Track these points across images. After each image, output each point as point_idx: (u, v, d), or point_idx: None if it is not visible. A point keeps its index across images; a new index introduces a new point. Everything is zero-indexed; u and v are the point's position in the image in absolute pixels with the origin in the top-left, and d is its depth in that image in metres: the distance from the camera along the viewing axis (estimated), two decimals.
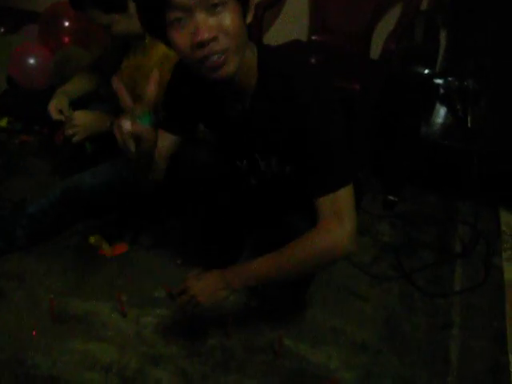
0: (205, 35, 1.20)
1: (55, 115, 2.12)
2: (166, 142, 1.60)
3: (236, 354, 1.76)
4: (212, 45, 1.22)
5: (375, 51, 2.64)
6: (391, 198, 2.32)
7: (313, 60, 2.53)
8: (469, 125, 2.19)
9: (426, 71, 2.02)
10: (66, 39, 2.93)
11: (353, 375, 1.71)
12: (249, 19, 1.30)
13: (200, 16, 1.20)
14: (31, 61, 2.87)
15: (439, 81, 2.36)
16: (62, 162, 2.54)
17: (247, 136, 1.55)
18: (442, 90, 2.36)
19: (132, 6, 1.90)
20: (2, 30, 3.30)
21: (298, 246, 1.41)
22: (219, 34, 1.22)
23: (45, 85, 2.88)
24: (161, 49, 1.96)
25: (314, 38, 2.76)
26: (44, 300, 1.89)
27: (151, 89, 1.24)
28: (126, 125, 1.17)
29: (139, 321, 1.85)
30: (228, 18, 1.22)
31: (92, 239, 2.10)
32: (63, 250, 2.10)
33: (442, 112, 2.31)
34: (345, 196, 1.38)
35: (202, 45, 1.21)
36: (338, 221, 1.37)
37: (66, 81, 2.48)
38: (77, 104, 2.17)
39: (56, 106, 2.12)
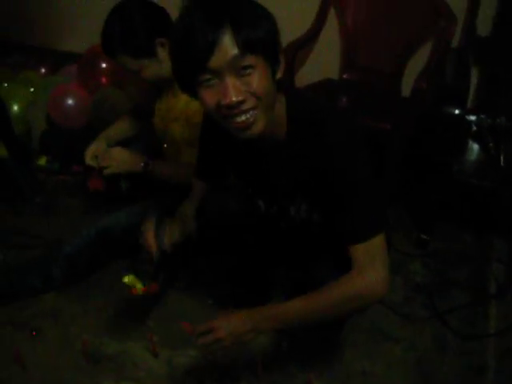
0: (233, 99, 1.24)
1: (88, 160, 2.18)
2: (197, 188, 1.65)
3: None
4: (240, 106, 1.26)
5: (406, 88, 2.64)
6: (424, 236, 2.30)
7: (344, 99, 2.55)
8: (501, 163, 2.18)
9: (458, 111, 2.02)
10: (104, 80, 3.00)
11: None
12: (279, 74, 1.34)
13: (229, 79, 1.24)
14: (70, 101, 2.95)
15: (471, 118, 2.35)
16: (97, 202, 2.58)
17: (277, 182, 1.57)
18: (474, 128, 2.35)
19: (160, 51, 1.96)
20: (43, 70, 3.41)
21: (330, 290, 1.41)
22: (247, 95, 1.25)
23: (82, 125, 2.96)
24: None
25: (345, 76, 2.78)
26: (77, 339, 1.92)
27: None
28: None
29: (171, 361, 1.86)
30: (256, 80, 1.25)
31: (126, 278, 2.11)
32: (97, 290, 2.14)
33: (474, 150, 2.30)
34: (378, 242, 1.40)
35: (229, 107, 1.25)
36: (371, 267, 1.39)
37: (103, 121, 2.56)
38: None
39: (93, 152, 2.18)
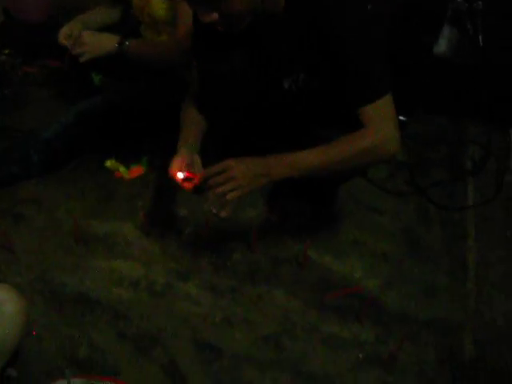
0: (204, 20, 1.34)
1: (62, 39, 2.08)
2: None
3: (262, 266, 1.79)
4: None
5: None
6: (402, 118, 2.32)
7: None
8: (480, 43, 2.20)
9: None
10: None
11: (376, 283, 1.76)
12: None
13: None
14: None
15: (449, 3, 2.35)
16: (68, 93, 2.49)
17: (273, 55, 1.54)
18: (450, 12, 2.35)
19: None
20: None
21: (345, 143, 1.42)
22: (218, 17, 1.33)
23: (43, 18, 2.81)
24: None
25: None
26: (65, 222, 1.90)
27: None
28: None
29: (164, 238, 1.86)
30: (225, 7, 1.31)
31: (108, 163, 2.09)
32: (80, 175, 2.09)
33: (452, 32, 2.30)
34: (387, 102, 1.42)
35: None
36: (382, 125, 1.41)
37: (66, 13, 2.44)
38: None
39: (66, 31, 2.08)
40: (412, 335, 1.62)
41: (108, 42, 2.01)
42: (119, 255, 1.81)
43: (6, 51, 2.70)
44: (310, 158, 1.44)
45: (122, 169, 2.06)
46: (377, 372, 1.55)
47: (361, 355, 1.58)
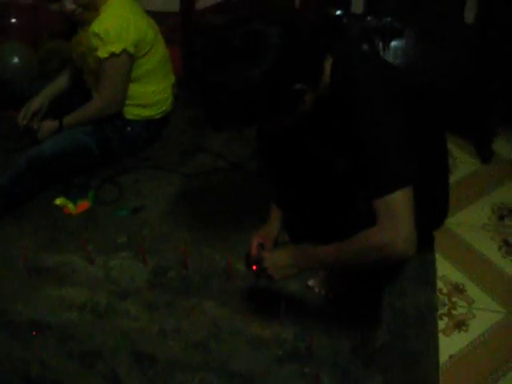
0: None
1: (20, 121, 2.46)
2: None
3: (194, 281, 2.00)
4: None
5: None
6: None
7: None
8: (391, 59, 2.38)
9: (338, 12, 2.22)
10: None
11: (298, 286, 1.94)
12: None
13: None
14: None
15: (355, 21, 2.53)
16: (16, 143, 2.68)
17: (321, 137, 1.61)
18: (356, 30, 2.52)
19: None
20: None
21: (354, 240, 1.41)
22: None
23: None
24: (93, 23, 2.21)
25: None
26: (18, 259, 2.09)
27: None
28: None
29: (107, 265, 2.07)
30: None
31: (58, 201, 2.30)
32: (33, 213, 2.31)
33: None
34: (399, 198, 1.34)
35: None
36: (391, 223, 1.33)
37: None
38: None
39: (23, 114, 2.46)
40: (327, 329, 1.81)
41: (52, 126, 2.38)
42: (67, 283, 2.01)
43: None
44: (325, 253, 1.49)
45: (70, 205, 2.28)
46: (295, 365, 1.72)
47: (280, 352, 1.76)
